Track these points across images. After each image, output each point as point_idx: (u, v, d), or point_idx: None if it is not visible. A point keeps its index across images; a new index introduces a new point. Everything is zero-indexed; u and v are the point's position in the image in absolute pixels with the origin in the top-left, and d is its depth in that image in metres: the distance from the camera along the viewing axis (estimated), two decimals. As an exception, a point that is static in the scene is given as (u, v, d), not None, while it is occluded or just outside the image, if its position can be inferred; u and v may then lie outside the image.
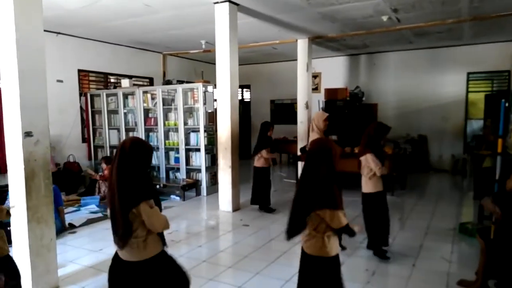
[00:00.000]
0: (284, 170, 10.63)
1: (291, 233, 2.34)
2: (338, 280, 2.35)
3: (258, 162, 6.15)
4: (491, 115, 8.15)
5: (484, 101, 8.91)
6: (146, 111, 8.10)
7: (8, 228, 3.39)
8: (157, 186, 7.35)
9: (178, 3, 6.07)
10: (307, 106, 8.83)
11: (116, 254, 2.30)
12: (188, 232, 5.37)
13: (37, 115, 3.32)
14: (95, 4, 6.04)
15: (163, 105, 7.80)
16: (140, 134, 8.03)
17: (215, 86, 6.70)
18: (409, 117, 10.24)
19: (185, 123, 7.57)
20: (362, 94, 10.10)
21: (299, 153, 7.57)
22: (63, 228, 5.18)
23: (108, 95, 8.46)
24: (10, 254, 2.90)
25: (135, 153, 2.17)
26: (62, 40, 7.99)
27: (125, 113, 8.34)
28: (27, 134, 3.24)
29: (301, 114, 8.90)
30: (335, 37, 8.50)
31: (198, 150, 7.49)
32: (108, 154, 8.23)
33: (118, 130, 8.42)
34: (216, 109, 7.03)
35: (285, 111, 12.10)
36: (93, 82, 9.05)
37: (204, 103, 7.28)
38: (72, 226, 5.42)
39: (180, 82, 8.82)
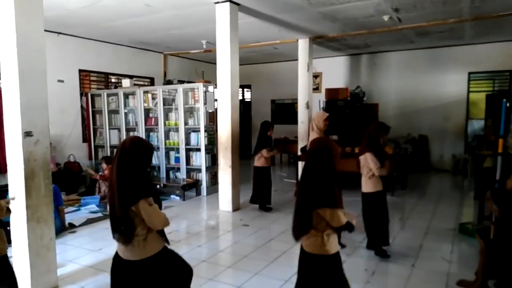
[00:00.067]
0: (284, 170, 10.63)
1: (297, 233, 2.34)
2: (339, 278, 2.34)
3: (258, 162, 6.16)
4: (492, 115, 8.15)
5: (485, 101, 8.91)
6: (147, 111, 8.11)
7: (8, 228, 3.39)
8: (158, 186, 7.35)
9: (179, 3, 6.07)
10: (307, 106, 8.83)
11: (116, 254, 2.30)
12: (188, 232, 5.37)
13: (37, 115, 3.32)
14: (96, 4, 6.05)
15: (164, 105, 7.80)
16: (141, 134, 8.03)
17: (215, 86, 6.71)
18: (410, 117, 10.23)
19: (186, 123, 7.57)
20: (363, 94, 10.09)
21: (299, 153, 7.57)
22: (63, 228, 5.19)
23: (108, 95, 8.47)
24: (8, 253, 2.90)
25: (134, 152, 2.19)
26: (63, 40, 8.00)
27: (125, 113, 8.34)
28: (27, 134, 3.24)
29: (302, 114, 8.89)
30: (336, 37, 8.50)
31: (199, 150, 7.49)
32: (109, 154, 8.24)
33: (119, 130, 8.43)
34: (216, 109, 7.04)
35: (285, 111, 12.10)
36: (94, 82, 9.06)
37: (205, 103, 7.28)
38: (72, 225, 5.42)
39: (181, 82, 8.84)
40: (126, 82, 8.36)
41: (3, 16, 3.18)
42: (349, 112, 9.61)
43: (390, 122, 8.28)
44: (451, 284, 3.48)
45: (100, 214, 6.03)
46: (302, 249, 2.40)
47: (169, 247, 2.40)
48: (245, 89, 13.15)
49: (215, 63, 6.18)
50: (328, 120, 5.23)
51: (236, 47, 6.11)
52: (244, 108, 12.77)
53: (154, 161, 7.99)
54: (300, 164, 7.69)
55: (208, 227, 5.56)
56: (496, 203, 3.21)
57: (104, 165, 7.03)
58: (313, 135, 5.07)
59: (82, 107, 8.63)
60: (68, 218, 5.60)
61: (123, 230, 2.16)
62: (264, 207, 6.22)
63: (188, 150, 7.65)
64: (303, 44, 8.72)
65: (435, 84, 9.96)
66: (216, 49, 6.14)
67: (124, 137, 8.14)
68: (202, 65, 11.25)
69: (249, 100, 13.19)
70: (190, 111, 7.64)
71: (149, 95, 8.01)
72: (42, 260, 3.37)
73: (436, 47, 9.78)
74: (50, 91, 3.55)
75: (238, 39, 6.17)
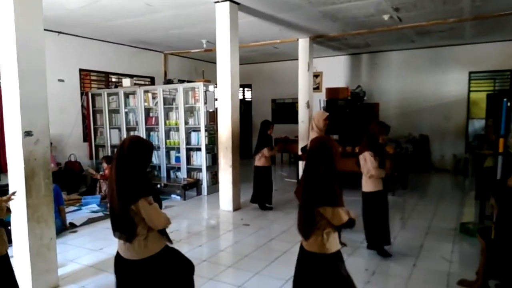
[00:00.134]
0: (285, 170, 10.62)
1: (303, 231, 2.33)
2: (340, 276, 2.32)
3: (259, 161, 6.16)
4: (493, 115, 8.11)
5: (486, 101, 8.89)
6: (147, 111, 8.11)
7: (9, 228, 3.39)
8: (158, 186, 7.35)
9: (179, 2, 6.07)
10: (308, 105, 8.82)
11: (117, 253, 2.31)
12: (189, 231, 5.37)
13: (37, 114, 3.32)
14: (95, 4, 6.04)
15: (164, 104, 7.80)
16: (141, 133, 8.03)
17: (216, 86, 6.70)
18: (411, 116, 10.22)
19: (186, 123, 7.57)
20: (364, 93, 10.07)
21: (300, 152, 7.57)
22: (64, 227, 5.19)
23: (109, 95, 8.47)
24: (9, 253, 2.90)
25: (133, 152, 2.19)
26: (64, 40, 8.00)
27: (126, 113, 8.34)
28: (27, 134, 3.24)
29: (302, 114, 8.89)
30: (336, 36, 8.49)
31: (199, 149, 7.49)
32: (109, 154, 8.24)
33: (119, 129, 8.43)
34: (217, 109, 7.04)
35: (286, 110, 12.09)
36: (94, 81, 9.06)
37: (205, 103, 7.28)
38: (73, 225, 5.43)
39: (181, 81, 8.83)
40: (126, 82, 8.36)
41: (3, 16, 3.18)
42: (350, 112, 9.60)
43: (390, 121, 8.27)
44: (451, 284, 3.48)
45: (101, 214, 6.03)
46: (302, 248, 2.40)
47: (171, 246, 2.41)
48: (246, 89, 13.15)
49: (216, 63, 6.17)
50: (328, 119, 5.21)
51: (236, 46, 6.11)
52: (245, 108, 12.76)
53: (155, 160, 8.00)
54: (301, 164, 7.69)
55: (208, 227, 5.56)
56: (496, 200, 3.21)
57: (104, 165, 7.03)
58: (313, 135, 5.06)
59: (82, 106, 8.63)
60: (69, 218, 5.60)
61: (125, 229, 2.16)
62: (264, 206, 6.22)
63: (188, 150, 7.65)
64: (303, 44, 8.71)
65: (436, 84, 9.94)
66: (216, 48, 6.14)
67: (124, 136, 8.14)
68: (203, 64, 11.25)
69: (250, 99, 13.18)
70: (190, 111, 7.64)
71: (150, 95, 8.01)
72: (43, 259, 3.37)
73: (436, 47, 9.77)
74: (51, 91, 3.55)
75: (238, 39, 6.16)
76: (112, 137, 8.49)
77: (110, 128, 8.53)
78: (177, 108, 7.66)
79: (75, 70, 8.39)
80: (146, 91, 8.05)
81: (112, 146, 8.44)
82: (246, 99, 13.21)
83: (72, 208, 6.39)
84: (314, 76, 9.88)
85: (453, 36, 8.60)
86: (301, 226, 2.34)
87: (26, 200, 3.23)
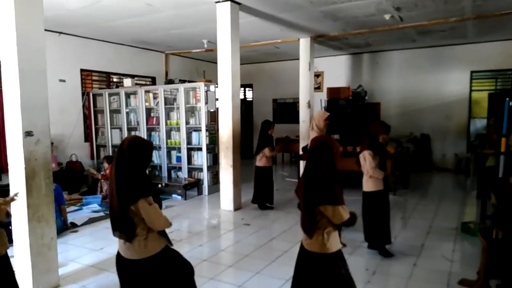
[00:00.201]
0: (286, 169, 10.62)
1: (306, 230, 2.33)
2: (341, 276, 2.32)
3: (260, 161, 6.15)
4: (495, 114, 8.09)
5: (488, 100, 8.87)
6: (148, 111, 8.12)
7: (10, 227, 3.40)
8: (159, 185, 7.35)
9: (180, 2, 6.07)
10: (309, 105, 8.82)
11: (118, 253, 2.31)
12: (190, 231, 5.37)
13: (37, 114, 3.33)
14: (96, 4, 6.05)
15: (165, 104, 7.81)
16: (142, 133, 8.04)
17: (217, 86, 6.70)
18: (412, 116, 10.20)
19: (187, 123, 7.57)
20: (365, 93, 10.06)
21: (301, 152, 7.56)
22: (65, 227, 5.20)
23: (110, 95, 8.48)
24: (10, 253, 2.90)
25: (132, 152, 2.19)
26: (65, 40, 8.01)
27: (127, 113, 8.35)
28: (28, 134, 3.25)
29: (303, 113, 8.88)
30: (337, 36, 8.48)
31: (200, 149, 7.49)
32: (110, 154, 8.25)
33: (120, 129, 8.44)
34: (218, 109, 7.04)
35: (287, 110, 12.09)
36: (95, 81, 9.07)
37: (206, 103, 7.28)
38: (74, 225, 5.43)
39: (182, 81, 8.83)
40: (127, 82, 8.37)
41: (3, 16, 3.18)
42: (351, 111, 9.59)
43: (392, 121, 8.28)
44: (452, 284, 3.47)
45: (102, 214, 6.03)
46: (302, 248, 2.40)
47: (171, 246, 2.40)
48: (247, 89, 13.15)
49: (217, 63, 6.17)
50: (328, 119, 5.20)
51: (237, 46, 6.11)
52: (246, 108, 12.76)
53: (156, 160, 8.01)
54: (302, 163, 7.68)
55: (209, 226, 5.56)
56: (495, 196, 3.21)
57: (105, 165, 7.04)
58: (313, 135, 5.05)
59: (84, 106, 8.65)
60: (70, 218, 5.61)
61: (124, 229, 2.16)
62: (264, 206, 6.22)
63: (189, 150, 7.65)
64: (304, 43, 8.70)
65: (437, 83, 9.92)
66: (217, 48, 6.13)
67: (125, 136, 8.15)
68: (204, 64, 11.25)
69: (251, 99, 13.18)
70: (191, 111, 7.64)
71: (151, 95, 8.02)
72: (43, 259, 3.38)
73: (438, 46, 9.74)
74: (52, 91, 3.56)
75: (239, 39, 6.17)
76: (113, 137, 8.51)
77: (111, 128, 8.55)
78: (178, 108, 7.67)
79: (76, 70, 8.40)
80: (147, 91, 8.05)
81: (113, 146, 8.45)
82: (247, 99, 13.22)
83: (73, 208, 6.40)
84: (315, 76, 9.87)
85: (455, 35, 8.57)
86: (304, 224, 2.34)
87: (27, 200, 3.24)
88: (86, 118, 8.76)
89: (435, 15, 6.82)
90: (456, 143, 9.79)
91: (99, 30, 7.83)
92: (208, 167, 7.46)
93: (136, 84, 8.73)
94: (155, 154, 8.00)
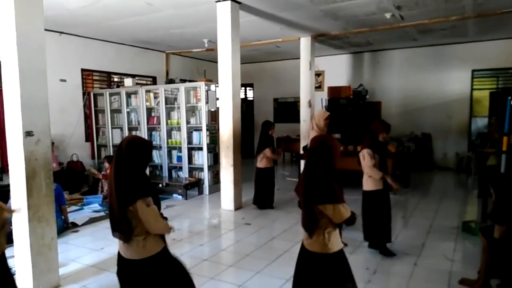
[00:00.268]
0: (287, 169, 10.61)
1: (307, 229, 2.32)
2: (342, 276, 2.32)
3: (260, 162, 6.14)
4: (496, 113, 8.07)
5: (489, 99, 8.85)
6: (149, 110, 8.12)
7: (10, 227, 3.40)
8: (160, 185, 7.36)
9: (180, 2, 6.07)
10: (310, 104, 8.81)
11: (119, 253, 2.30)
12: (190, 230, 5.37)
13: (37, 114, 3.33)
14: (96, 4, 6.05)
15: (166, 104, 7.81)
16: (143, 133, 8.05)
17: (217, 85, 6.70)
18: (413, 115, 10.19)
19: (188, 122, 7.57)
20: (366, 92, 10.04)
21: (301, 151, 7.56)
22: (65, 227, 5.20)
23: (111, 94, 8.49)
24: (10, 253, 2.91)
25: (131, 152, 2.18)
26: (66, 40, 8.02)
27: (128, 112, 8.36)
28: (28, 134, 3.25)
29: (304, 113, 8.88)
30: (338, 35, 8.47)
31: (201, 149, 7.49)
32: (111, 153, 8.25)
33: (121, 129, 8.45)
34: (218, 108, 7.03)
35: (288, 109, 12.08)
36: (96, 81, 9.08)
37: (207, 102, 7.28)
38: (74, 225, 5.44)
39: (183, 81, 8.82)
40: (128, 81, 8.37)
41: (3, 16, 3.18)
42: (352, 110, 9.58)
43: (393, 120, 8.27)
44: (453, 283, 3.46)
45: (102, 213, 6.04)
46: (303, 248, 2.39)
47: (171, 246, 2.41)
48: (248, 88, 13.14)
49: (217, 62, 6.17)
50: (328, 119, 5.19)
51: (237, 45, 6.10)
52: (247, 107, 12.76)
53: (157, 160, 8.01)
54: (303, 163, 7.68)
55: (210, 226, 5.56)
56: (494, 189, 3.20)
57: (106, 164, 7.04)
58: (313, 134, 5.04)
59: (84, 106, 8.65)
60: (71, 217, 5.61)
61: (122, 230, 2.16)
62: (263, 206, 6.21)
63: (190, 149, 7.65)
64: (305, 42, 8.70)
65: (438, 82, 9.90)
66: (217, 47, 6.13)
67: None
68: (204, 64, 11.25)
69: (252, 98, 13.17)
70: (192, 110, 7.64)
71: (151, 94, 8.02)
72: (44, 259, 3.38)
73: (439, 45, 9.72)
74: (53, 91, 3.57)
75: (239, 38, 6.16)
76: (114, 137, 8.51)
77: (112, 128, 8.56)
78: (178, 107, 7.67)
79: (77, 70, 8.41)
80: (148, 91, 8.06)
81: (114, 146, 8.46)
82: (248, 98, 13.21)
83: (74, 207, 6.40)
84: (316, 75, 9.87)
85: (456, 34, 8.55)
86: (304, 223, 2.33)
87: (27, 200, 3.24)
88: (87, 118, 8.77)
89: (436, 14, 6.81)
90: (457, 142, 9.77)
91: (99, 29, 7.83)
92: (209, 167, 7.46)
93: (137, 83, 8.74)
94: (155, 153, 8.01)
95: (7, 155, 3.36)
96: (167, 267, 2.31)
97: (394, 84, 10.47)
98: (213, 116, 7.49)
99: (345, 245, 2.40)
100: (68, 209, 5.75)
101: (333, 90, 10.08)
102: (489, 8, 6.49)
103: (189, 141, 7.61)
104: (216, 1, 5.90)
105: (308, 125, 8.44)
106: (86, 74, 8.75)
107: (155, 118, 8.04)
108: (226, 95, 6.07)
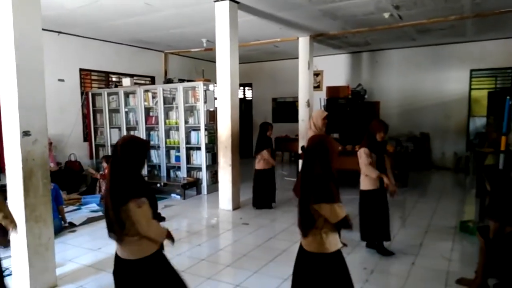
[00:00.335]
0: (285, 168, 10.61)
1: (302, 229, 2.32)
2: (339, 277, 2.31)
3: (258, 164, 6.13)
4: (494, 113, 8.09)
5: (487, 98, 8.86)
6: (147, 110, 8.11)
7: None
8: (158, 185, 7.35)
9: (179, 2, 6.06)
10: (308, 104, 8.81)
11: (116, 253, 2.30)
12: (188, 230, 5.37)
13: (35, 114, 3.32)
14: (94, 4, 6.04)
15: (164, 103, 7.80)
16: (141, 133, 8.04)
17: (216, 85, 6.69)
18: (412, 114, 10.20)
19: (186, 122, 7.57)
20: (364, 92, 10.05)
21: (300, 151, 7.56)
22: (63, 227, 5.19)
23: (109, 94, 8.48)
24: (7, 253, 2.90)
25: (127, 152, 2.18)
26: (64, 40, 8.01)
27: (126, 112, 8.35)
28: (25, 134, 3.24)
29: (303, 112, 8.88)
30: (337, 35, 8.47)
31: (199, 148, 7.49)
32: (109, 153, 8.24)
33: (119, 129, 8.44)
34: (216, 108, 7.03)
35: (286, 109, 12.08)
36: (94, 81, 9.07)
37: (205, 102, 7.28)
38: (72, 224, 5.43)
39: (181, 80, 8.82)
40: (126, 81, 8.37)
41: (1, 15, 3.17)
42: (350, 110, 9.58)
43: (391, 120, 8.29)
44: (450, 283, 3.46)
45: (100, 213, 6.01)
46: (301, 248, 2.39)
47: (170, 246, 2.39)
48: (246, 88, 13.14)
49: (216, 62, 6.17)
50: (326, 119, 5.19)
51: (235, 45, 6.10)
52: (245, 107, 12.76)
53: (155, 160, 8.01)
54: (301, 162, 7.67)
55: (208, 226, 5.56)
56: (490, 184, 3.21)
57: (104, 164, 7.01)
58: (311, 134, 5.04)
59: (83, 106, 8.64)
60: (69, 217, 5.61)
61: (115, 230, 2.16)
62: (261, 205, 6.21)
63: (188, 149, 7.65)
64: (303, 42, 8.69)
65: (437, 82, 9.91)
66: (216, 47, 6.13)
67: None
68: (203, 63, 11.23)
69: (250, 98, 13.17)
70: (190, 110, 7.63)
71: (150, 94, 8.01)
72: (41, 259, 3.37)
73: (437, 44, 9.73)
74: (51, 91, 3.57)
75: (238, 38, 6.15)
76: (112, 137, 8.50)
77: (110, 128, 8.55)
78: (177, 107, 7.66)
79: (75, 70, 8.40)
80: (146, 91, 8.05)
81: (112, 146, 8.44)
82: (247, 98, 13.20)
83: (71, 207, 6.39)
84: (314, 75, 9.87)
85: (454, 33, 8.56)
86: (299, 222, 2.33)
87: (24, 200, 3.23)
88: (85, 117, 8.76)
89: (434, 14, 6.81)
90: (455, 142, 9.78)
91: (98, 29, 7.82)
92: (207, 167, 7.46)
93: (135, 83, 8.73)
94: (154, 153, 8.00)
95: (4, 155, 3.35)
96: (162, 268, 2.30)
97: (393, 84, 10.48)
98: (212, 116, 7.49)
99: (345, 245, 2.39)
100: (66, 209, 5.74)
101: (331, 90, 10.08)
102: (487, 8, 6.49)
103: (187, 141, 7.60)
104: (215, 1, 5.89)
105: (307, 125, 8.44)
106: (85, 74, 8.74)
107: (153, 118, 8.03)
108: (225, 95, 6.06)
